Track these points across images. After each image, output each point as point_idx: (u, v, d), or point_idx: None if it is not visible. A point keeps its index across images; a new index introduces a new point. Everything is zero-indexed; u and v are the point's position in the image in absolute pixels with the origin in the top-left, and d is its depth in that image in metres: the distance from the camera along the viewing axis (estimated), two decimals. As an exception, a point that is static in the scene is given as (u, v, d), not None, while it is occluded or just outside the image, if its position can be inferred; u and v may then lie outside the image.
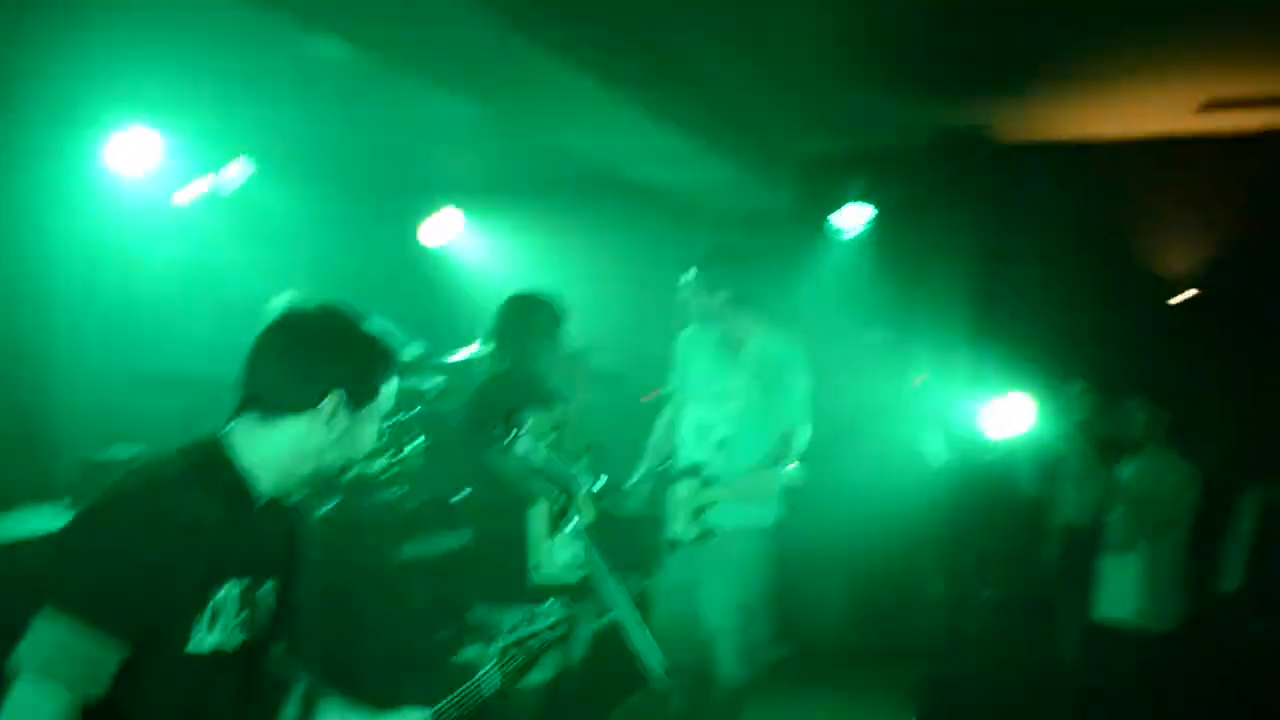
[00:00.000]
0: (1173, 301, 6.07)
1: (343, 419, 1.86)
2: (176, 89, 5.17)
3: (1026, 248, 6.25)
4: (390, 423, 4.98)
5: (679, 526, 4.10)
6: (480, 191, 7.53)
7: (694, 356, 4.33)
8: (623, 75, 4.60)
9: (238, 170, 5.95)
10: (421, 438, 5.06)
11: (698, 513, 4.08)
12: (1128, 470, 4.28)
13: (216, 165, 5.89)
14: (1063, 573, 5.06)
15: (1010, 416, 4.95)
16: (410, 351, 5.62)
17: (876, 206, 6.36)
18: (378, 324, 1.95)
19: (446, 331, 6.67)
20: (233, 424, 1.86)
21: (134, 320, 5.74)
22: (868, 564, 6.20)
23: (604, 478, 3.64)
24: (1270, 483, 4.72)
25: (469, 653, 3.59)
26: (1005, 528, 5.69)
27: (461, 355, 5.56)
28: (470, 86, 4.73)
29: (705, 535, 4.07)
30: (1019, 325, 6.03)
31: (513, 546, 3.53)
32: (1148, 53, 4.87)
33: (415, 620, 4.55)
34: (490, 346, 3.86)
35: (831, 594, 6.22)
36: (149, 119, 5.38)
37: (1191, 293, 6.04)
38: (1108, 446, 4.45)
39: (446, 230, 7.47)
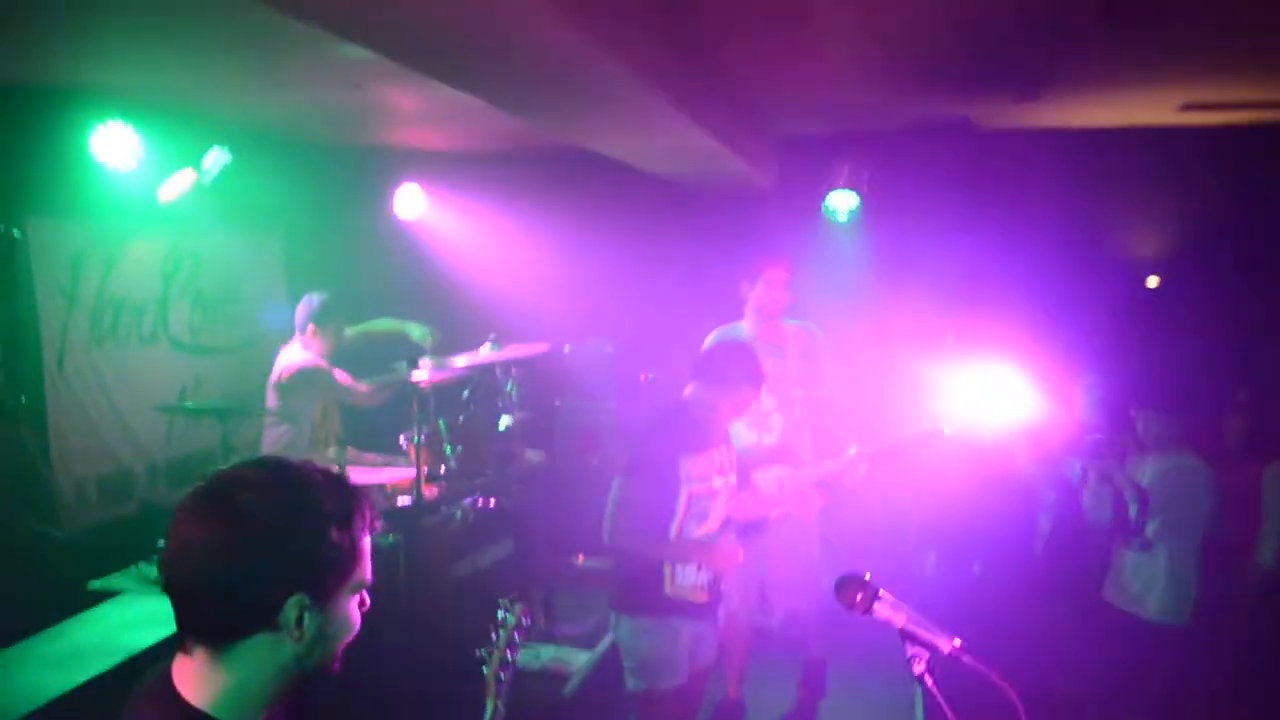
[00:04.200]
0: (1149, 284, 6.43)
1: (311, 620, 1.54)
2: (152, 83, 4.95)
3: (1011, 231, 6.50)
4: (427, 432, 5.00)
5: None
6: (453, 163, 7.38)
7: None
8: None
9: (214, 160, 5.75)
10: (460, 447, 5.08)
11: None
12: (1144, 474, 4.59)
13: (194, 157, 5.69)
14: (1059, 556, 5.48)
15: (1004, 400, 5.29)
16: (420, 334, 5.59)
17: (862, 190, 6.53)
18: (318, 472, 1.60)
19: (429, 306, 6.65)
20: (179, 662, 1.57)
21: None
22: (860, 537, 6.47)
23: None
24: None
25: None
26: (997, 504, 6.02)
27: (478, 357, 5.51)
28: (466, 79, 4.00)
29: None
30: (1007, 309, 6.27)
31: None
32: (1135, 65, 5.11)
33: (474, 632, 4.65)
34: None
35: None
36: (127, 114, 5.16)
37: (1155, 280, 6.44)
38: (1121, 448, 4.80)
39: (415, 206, 7.32)
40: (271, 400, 5.36)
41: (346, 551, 1.57)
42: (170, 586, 1.53)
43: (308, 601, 1.53)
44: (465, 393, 5.48)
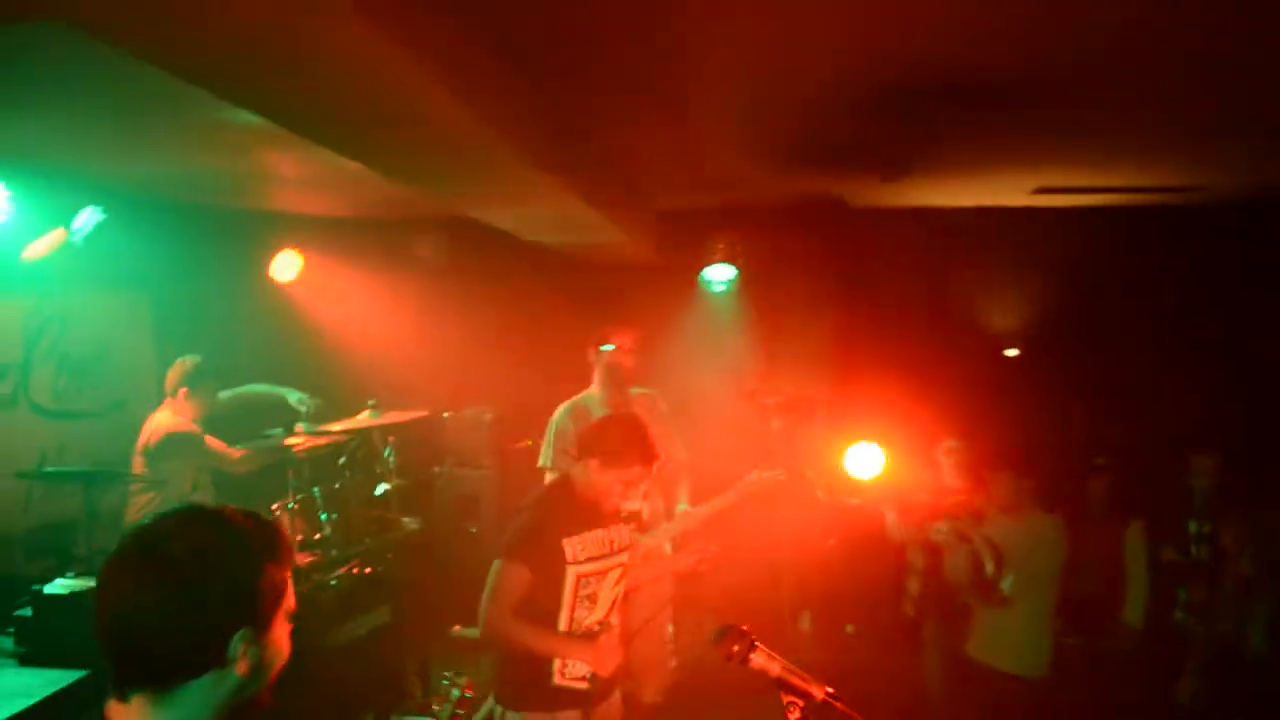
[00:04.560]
0: (1008, 354, 6.82)
1: (253, 653, 1.61)
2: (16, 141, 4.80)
3: (878, 303, 6.79)
4: (301, 499, 4.93)
5: None
6: (331, 229, 7.35)
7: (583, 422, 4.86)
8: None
9: (87, 218, 5.62)
10: (335, 514, 5.02)
11: None
12: (1000, 533, 4.81)
13: (62, 215, 5.54)
14: (925, 613, 5.66)
15: (872, 463, 5.50)
16: (297, 400, 5.55)
17: (739, 263, 6.75)
18: (248, 516, 1.66)
19: (306, 371, 6.55)
20: (117, 705, 1.58)
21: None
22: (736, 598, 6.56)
23: None
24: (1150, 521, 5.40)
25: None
26: (868, 566, 6.21)
27: (355, 423, 5.47)
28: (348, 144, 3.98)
29: None
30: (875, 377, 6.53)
31: None
32: (988, 152, 5.47)
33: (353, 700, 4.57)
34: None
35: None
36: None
37: (1015, 351, 6.82)
38: (981, 509, 5.02)
39: (291, 269, 7.25)
40: (140, 466, 5.21)
41: (279, 583, 1.66)
42: (111, 645, 1.56)
43: (251, 635, 1.60)
44: (341, 459, 5.42)
